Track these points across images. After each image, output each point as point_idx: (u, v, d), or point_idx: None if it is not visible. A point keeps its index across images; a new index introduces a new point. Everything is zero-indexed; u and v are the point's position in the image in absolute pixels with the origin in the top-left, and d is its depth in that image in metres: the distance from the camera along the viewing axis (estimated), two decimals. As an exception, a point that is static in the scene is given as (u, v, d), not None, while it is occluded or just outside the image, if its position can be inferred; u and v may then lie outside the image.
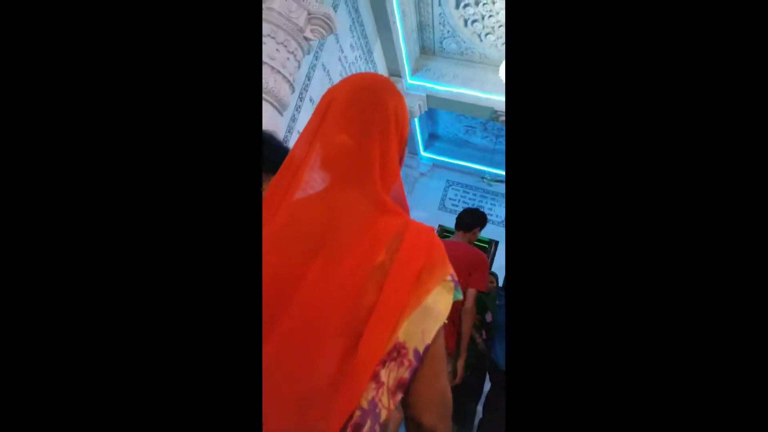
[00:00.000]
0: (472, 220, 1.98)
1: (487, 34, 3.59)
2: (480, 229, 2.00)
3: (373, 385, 0.39)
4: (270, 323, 0.40)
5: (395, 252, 0.43)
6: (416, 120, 5.49)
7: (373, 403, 0.39)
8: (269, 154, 0.84)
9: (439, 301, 0.42)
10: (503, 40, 3.55)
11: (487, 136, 5.67)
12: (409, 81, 4.28)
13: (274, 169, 0.80)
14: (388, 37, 3.52)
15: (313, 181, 0.48)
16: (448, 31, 3.75)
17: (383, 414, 0.38)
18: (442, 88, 4.23)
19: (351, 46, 3.20)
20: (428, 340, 0.40)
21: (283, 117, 2.57)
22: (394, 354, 0.40)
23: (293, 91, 2.41)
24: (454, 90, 4.18)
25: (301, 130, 3.26)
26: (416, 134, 5.89)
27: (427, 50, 4.18)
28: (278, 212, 0.46)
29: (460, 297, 0.44)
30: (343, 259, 0.43)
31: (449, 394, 0.43)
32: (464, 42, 3.82)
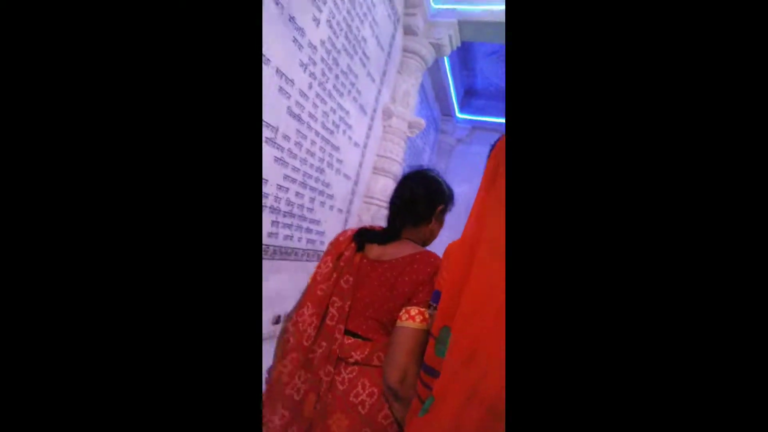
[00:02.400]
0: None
1: None
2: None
3: None
4: None
5: None
6: (447, 68, 4.55)
7: None
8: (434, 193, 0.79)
9: None
10: None
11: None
12: (434, 5, 3.37)
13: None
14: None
15: None
16: None
17: None
18: (478, 8, 3.28)
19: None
20: None
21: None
22: None
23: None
24: (494, 8, 3.21)
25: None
26: (449, 90, 4.95)
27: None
28: None
29: None
30: None
31: None
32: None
